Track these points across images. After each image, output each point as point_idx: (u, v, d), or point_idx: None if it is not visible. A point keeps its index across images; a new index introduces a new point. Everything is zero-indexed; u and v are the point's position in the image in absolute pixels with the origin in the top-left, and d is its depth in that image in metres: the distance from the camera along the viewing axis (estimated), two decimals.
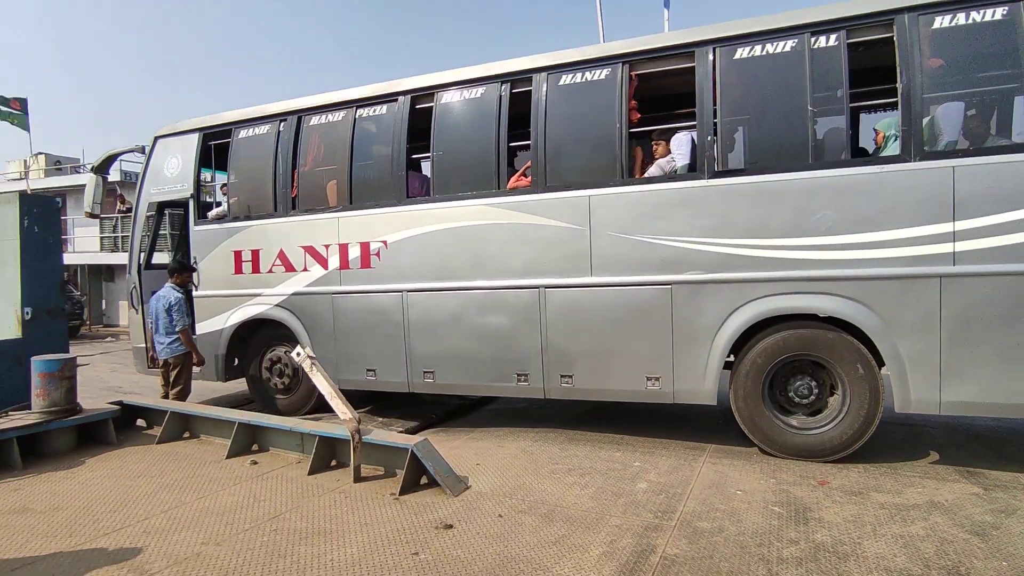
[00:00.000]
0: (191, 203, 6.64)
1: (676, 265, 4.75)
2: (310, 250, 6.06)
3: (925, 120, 4.20)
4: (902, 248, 4.19)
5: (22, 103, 16.30)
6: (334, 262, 5.96)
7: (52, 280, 5.81)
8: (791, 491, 3.82)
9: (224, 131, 6.67)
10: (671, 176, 4.89)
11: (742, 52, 4.65)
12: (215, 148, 6.76)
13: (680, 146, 4.97)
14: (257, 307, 6.27)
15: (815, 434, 4.51)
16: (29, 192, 15.21)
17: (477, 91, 5.47)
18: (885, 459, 4.44)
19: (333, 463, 4.35)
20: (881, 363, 4.33)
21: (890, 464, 4.33)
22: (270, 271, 6.23)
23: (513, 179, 5.37)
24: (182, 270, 6.10)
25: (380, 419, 6.04)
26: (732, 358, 4.75)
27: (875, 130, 4.68)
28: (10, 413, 4.68)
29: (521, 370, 5.31)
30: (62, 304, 5.88)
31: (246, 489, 3.93)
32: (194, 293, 6.67)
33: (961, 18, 4.12)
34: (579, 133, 5.24)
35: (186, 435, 5.22)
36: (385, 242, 5.71)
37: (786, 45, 4.54)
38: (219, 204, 6.85)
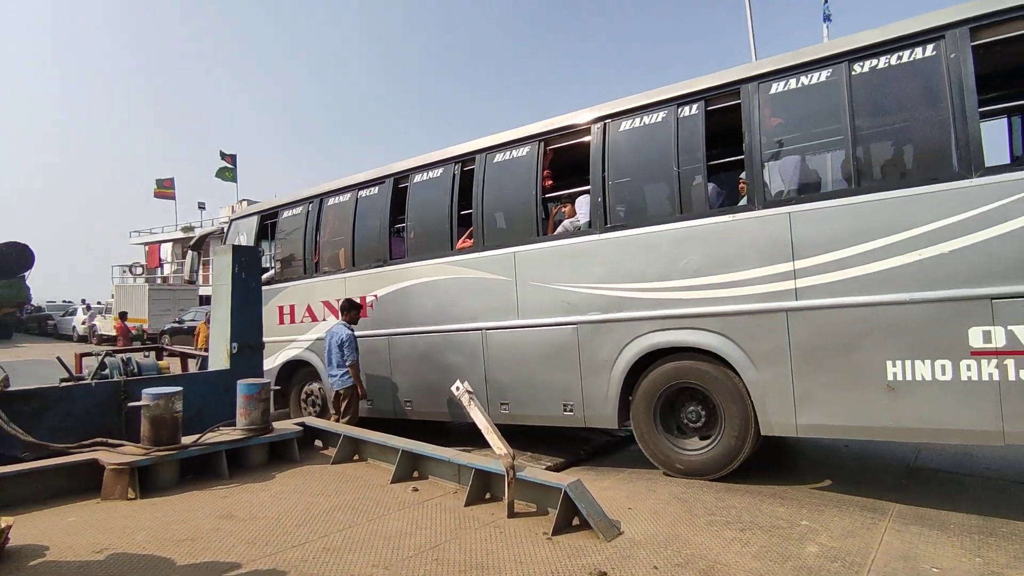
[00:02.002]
0: None
1: (579, 308, 5.56)
2: (327, 304, 7.55)
3: (766, 172, 4.81)
4: (754, 286, 4.74)
5: (233, 158, 19.27)
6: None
7: (254, 319, 6.72)
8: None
9: (274, 213, 8.50)
10: (574, 232, 5.76)
11: (625, 124, 5.50)
12: (270, 226, 8.59)
13: (582, 206, 5.81)
14: (293, 351, 7.88)
15: (699, 454, 5.13)
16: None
17: (437, 171, 6.72)
18: None
19: (487, 496, 4.48)
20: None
21: None
22: (301, 321, 7.85)
23: (461, 240, 6.47)
24: (351, 308, 6.73)
25: (529, 453, 6.15)
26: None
27: (740, 179, 5.20)
28: (220, 429, 5.43)
29: None
30: (260, 340, 6.77)
31: (409, 515, 4.18)
32: None
33: (793, 82, 4.75)
34: (506, 199, 6.25)
35: (355, 457, 5.68)
36: (376, 296, 7.08)
37: (658, 116, 5.34)
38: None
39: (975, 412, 3.99)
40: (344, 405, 6.59)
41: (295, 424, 5.99)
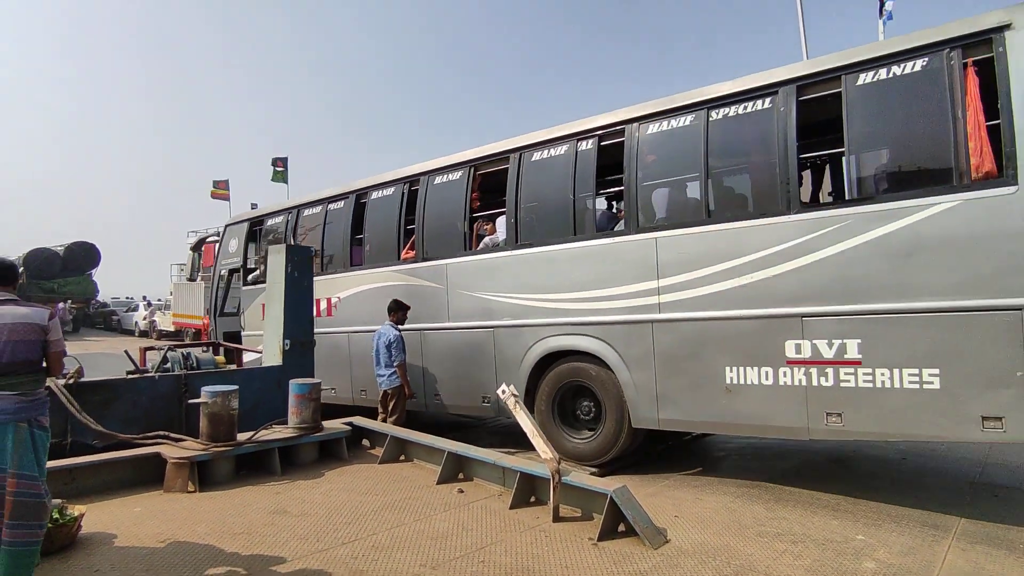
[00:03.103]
0: (241, 271, 9.53)
1: (495, 314, 6.35)
2: None
3: (640, 202, 5.53)
4: (628, 300, 5.44)
5: (284, 162, 19.92)
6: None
7: (305, 317, 6.92)
8: None
9: (261, 220, 9.48)
10: (493, 248, 6.53)
11: (536, 155, 6.27)
12: (258, 232, 9.51)
13: (501, 225, 6.55)
14: None
15: (585, 443, 5.83)
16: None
17: (389, 190, 7.59)
18: None
19: (532, 499, 4.50)
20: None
21: None
22: None
23: (405, 251, 7.33)
24: (398, 309, 6.83)
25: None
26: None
27: (619, 208, 6.18)
28: (273, 426, 5.61)
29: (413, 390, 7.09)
30: (312, 338, 6.96)
31: (455, 517, 4.24)
32: (242, 334, 9.17)
33: (665, 124, 5.46)
34: (441, 217, 7.02)
35: (401, 458, 5.78)
36: (339, 297, 7.89)
37: (561, 149, 6.08)
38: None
39: (789, 411, 4.71)
40: (392, 404, 6.70)
41: (343, 424, 6.13)
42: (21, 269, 11.84)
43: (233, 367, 8.10)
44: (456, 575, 3.35)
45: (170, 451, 4.91)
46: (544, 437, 4.23)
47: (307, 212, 8.73)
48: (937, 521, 4.23)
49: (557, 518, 4.11)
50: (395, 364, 6.57)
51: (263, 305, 8.63)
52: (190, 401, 5.45)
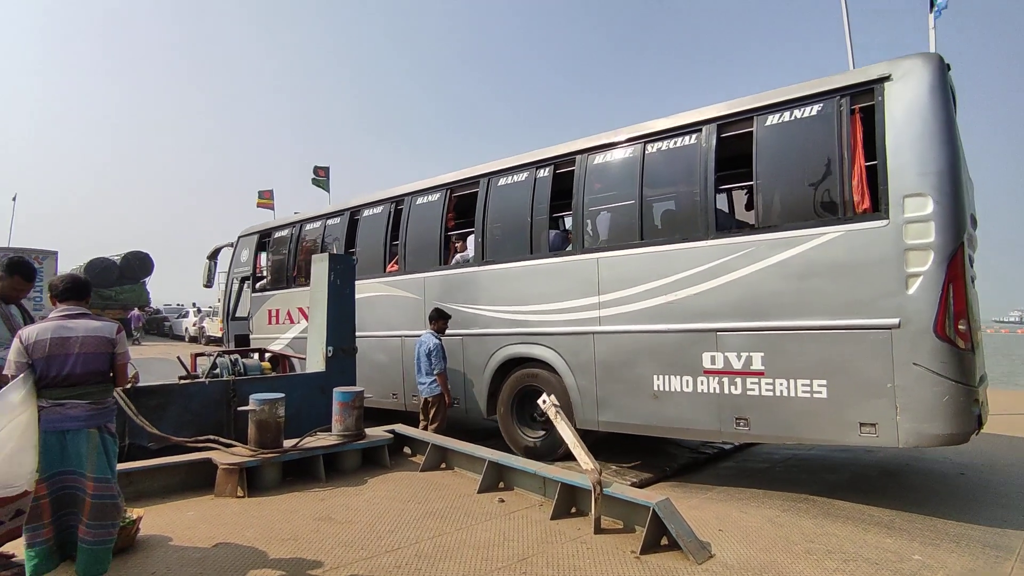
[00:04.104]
0: (251, 279, 10.46)
1: (465, 323, 7.03)
2: (301, 310, 9.07)
3: (585, 224, 6.17)
4: (574, 313, 6.03)
5: (326, 171, 20.36)
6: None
7: (347, 324, 7.07)
8: None
9: (269, 232, 10.40)
10: (463, 264, 7.21)
11: (501, 180, 6.95)
12: (267, 243, 10.39)
13: (471, 242, 7.22)
14: (278, 346, 9.20)
15: (538, 440, 6.47)
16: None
17: (378, 208, 8.41)
18: None
19: (573, 510, 4.48)
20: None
21: None
22: (283, 323, 9.52)
23: (390, 265, 8.11)
24: (439, 318, 6.90)
25: (613, 467, 6.09)
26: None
27: (568, 230, 6.90)
28: (317, 433, 5.73)
29: (394, 391, 7.93)
30: (354, 344, 7.10)
31: (496, 526, 4.24)
32: (250, 337, 10.03)
33: (607, 155, 6.09)
34: (420, 233, 7.69)
35: (443, 466, 5.83)
36: None
37: (522, 176, 6.75)
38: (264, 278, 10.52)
39: (705, 415, 5.22)
40: (432, 412, 6.76)
41: (386, 431, 6.22)
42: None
43: (276, 372, 8.31)
44: None
45: (221, 457, 5.07)
46: (585, 447, 4.20)
47: (308, 227, 9.54)
48: (1000, 540, 4.04)
49: (599, 530, 4.08)
50: (435, 372, 6.63)
51: (269, 311, 9.89)
52: (239, 408, 5.62)
